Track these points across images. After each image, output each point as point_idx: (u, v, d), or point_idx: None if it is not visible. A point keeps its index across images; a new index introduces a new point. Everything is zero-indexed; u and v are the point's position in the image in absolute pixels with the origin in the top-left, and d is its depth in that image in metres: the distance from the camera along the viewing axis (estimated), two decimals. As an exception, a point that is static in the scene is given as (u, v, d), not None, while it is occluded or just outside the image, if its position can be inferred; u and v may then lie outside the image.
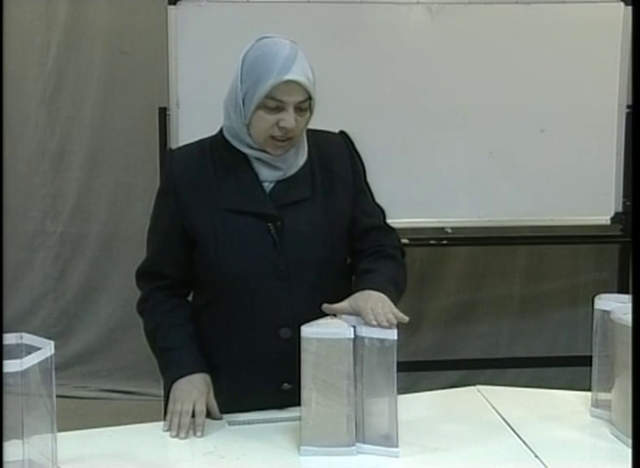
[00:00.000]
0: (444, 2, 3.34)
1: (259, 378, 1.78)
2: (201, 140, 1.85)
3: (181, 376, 1.76)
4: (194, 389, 1.74)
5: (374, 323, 1.58)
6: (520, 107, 3.42)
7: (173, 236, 1.81)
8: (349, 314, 1.64)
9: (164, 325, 1.84)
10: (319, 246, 1.78)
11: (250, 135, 1.74)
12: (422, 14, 3.35)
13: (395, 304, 1.69)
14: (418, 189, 3.33)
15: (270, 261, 1.75)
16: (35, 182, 4.13)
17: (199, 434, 1.68)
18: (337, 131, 1.90)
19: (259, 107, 1.69)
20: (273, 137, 1.71)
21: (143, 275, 1.92)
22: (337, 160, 1.84)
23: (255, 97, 1.68)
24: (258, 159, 1.77)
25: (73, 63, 4.04)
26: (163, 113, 3.32)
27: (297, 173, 1.79)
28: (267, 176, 1.77)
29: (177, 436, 1.68)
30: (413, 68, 3.36)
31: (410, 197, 3.33)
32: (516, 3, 3.36)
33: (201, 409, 1.71)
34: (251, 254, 1.76)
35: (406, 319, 1.63)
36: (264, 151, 1.75)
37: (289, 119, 1.68)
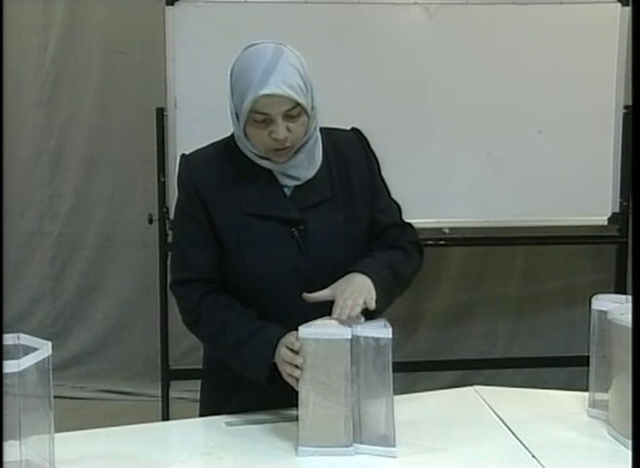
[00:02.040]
0: (441, 3, 3.35)
1: (248, 381, 1.75)
2: (215, 144, 1.83)
3: (276, 347, 1.66)
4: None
5: (335, 316, 1.61)
6: (517, 108, 3.42)
7: (212, 241, 1.77)
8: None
9: (230, 319, 1.74)
10: (341, 246, 1.77)
11: (253, 146, 1.73)
12: (420, 14, 3.35)
13: (389, 290, 1.71)
14: (415, 189, 3.33)
15: (294, 265, 1.74)
16: (33, 183, 4.13)
17: None
18: (349, 127, 1.89)
19: (248, 122, 1.68)
20: (272, 148, 1.70)
21: (191, 281, 1.79)
22: (353, 158, 1.83)
23: (242, 113, 1.67)
24: (276, 170, 1.75)
25: (71, 64, 4.04)
26: (160, 114, 3.32)
27: (315, 175, 1.77)
28: (289, 181, 1.76)
29: None
30: (410, 69, 3.36)
31: (407, 197, 3.28)
32: (513, 4, 3.37)
33: None
34: (276, 259, 1.74)
35: (373, 306, 1.65)
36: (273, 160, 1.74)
37: (278, 130, 1.66)
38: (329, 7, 3.30)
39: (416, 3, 3.34)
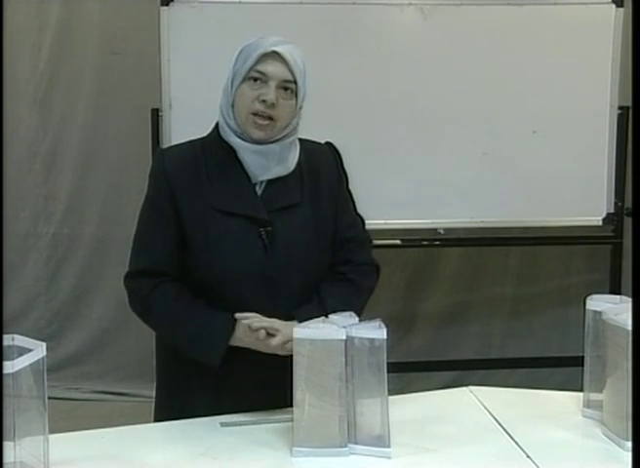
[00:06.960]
0: (436, 3, 3.35)
1: (244, 382, 1.77)
2: (192, 141, 1.86)
3: (232, 334, 1.72)
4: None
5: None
6: (512, 108, 3.43)
7: (174, 235, 1.79)
8: None
9: (179, 312, 1.77)
10: (306, 251, 1.80)
11: (235, 118, 1.75)
12: (415, 15, 3.36)
13: None
14: (411, 190, 3.33)
15: (259, 265, 1.76)
16: (27, 184, 4.12)
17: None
18: (323, 141, 1.93)
19: (243, 81, 1.73)
20: (255, 114, 1.73)
21: (142, 273, 1.84)
22: (324, 169, 1.87)
23: (242, 71, 1.73)
24: (246, 149, 1.76)
25: (65, 64, 4.03)
26: (155, 114, 3.32)
27: (287, 177, 1.80)
28: (257, 168, 1.77)
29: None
30: (405, 69, 3.37)
31: (403, 198, 3.33)
32: (508, 4, 3.37)
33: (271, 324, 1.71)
34: (241, 258, 1.76)
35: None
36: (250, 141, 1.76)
37: (269, 92, 1.71)
38: (324, 7, 3.31)
39: (411, 4, 3.34)
